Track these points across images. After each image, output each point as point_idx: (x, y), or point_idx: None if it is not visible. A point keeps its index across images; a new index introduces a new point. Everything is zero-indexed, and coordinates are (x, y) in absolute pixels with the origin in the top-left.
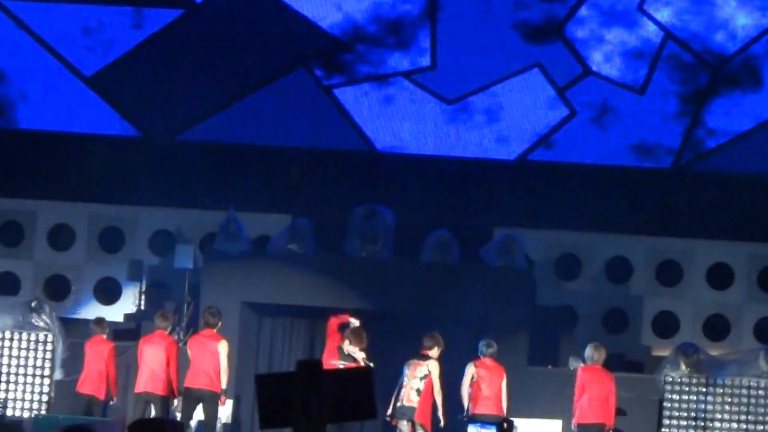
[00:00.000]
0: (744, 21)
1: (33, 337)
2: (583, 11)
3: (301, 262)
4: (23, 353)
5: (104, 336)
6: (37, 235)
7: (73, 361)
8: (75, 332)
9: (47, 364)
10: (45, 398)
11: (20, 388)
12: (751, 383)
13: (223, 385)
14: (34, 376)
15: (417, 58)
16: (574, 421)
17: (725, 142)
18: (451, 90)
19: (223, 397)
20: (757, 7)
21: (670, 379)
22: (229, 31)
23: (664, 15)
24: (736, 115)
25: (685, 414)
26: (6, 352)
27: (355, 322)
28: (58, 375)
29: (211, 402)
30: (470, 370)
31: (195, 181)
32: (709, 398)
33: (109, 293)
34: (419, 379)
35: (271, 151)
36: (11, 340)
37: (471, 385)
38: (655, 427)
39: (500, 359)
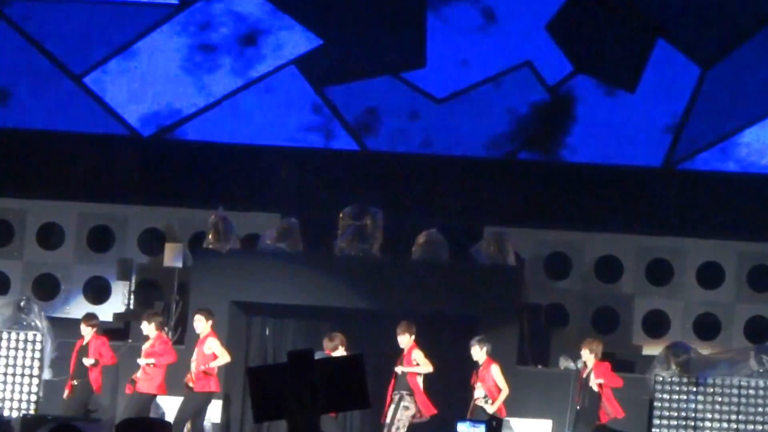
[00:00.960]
0: None
1: (22, 337)
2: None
3: (290, 261)
4: (12, 353)
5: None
6: (26, 234)
7: (61, 361)
8: (64, 332)
9: (36, 364)
10: (33, 398)
11: (8, 387)
12: (742, 382)
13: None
14: (22, 375)
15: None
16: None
17: (715, 140)
18: (440, 88)
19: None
20: None
21: (661, 379)
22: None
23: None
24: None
25: (676, 414)
26: None
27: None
28: (46, 374)
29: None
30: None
31: (184, 180)
32: (700, 398)
33: (98, 292)
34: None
35: (260, 150)
36: None
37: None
38: (645, 427)
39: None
